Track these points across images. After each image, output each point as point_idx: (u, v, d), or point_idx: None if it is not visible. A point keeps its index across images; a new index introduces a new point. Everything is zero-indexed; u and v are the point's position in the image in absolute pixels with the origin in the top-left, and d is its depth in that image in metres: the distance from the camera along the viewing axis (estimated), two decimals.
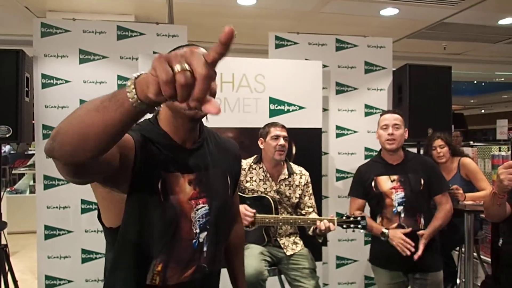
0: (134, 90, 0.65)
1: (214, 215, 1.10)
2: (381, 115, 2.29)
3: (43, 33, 2.98)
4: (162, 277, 1.03)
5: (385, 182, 2.20)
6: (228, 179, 1.18)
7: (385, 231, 2.13)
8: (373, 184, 2.22)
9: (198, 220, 1.06)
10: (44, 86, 2.97)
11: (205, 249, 1.08)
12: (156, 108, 0.68)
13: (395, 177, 2.19)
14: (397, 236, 2.08)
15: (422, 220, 2.17)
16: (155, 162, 1.00)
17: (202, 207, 1.07)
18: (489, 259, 3.11)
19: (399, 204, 2.15)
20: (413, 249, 2.04)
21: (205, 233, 1.08)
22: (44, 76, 2.97)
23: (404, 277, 2.19)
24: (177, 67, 0.59)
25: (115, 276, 1.04)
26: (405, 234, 2.09)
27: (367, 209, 2.36)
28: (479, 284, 2.90)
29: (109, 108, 0.67)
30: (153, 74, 0.60)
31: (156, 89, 0.60)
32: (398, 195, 2.16)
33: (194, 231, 1.05)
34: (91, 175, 0.85)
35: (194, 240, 1.06)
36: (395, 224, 2.16)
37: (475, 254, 2.95)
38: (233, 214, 1.27)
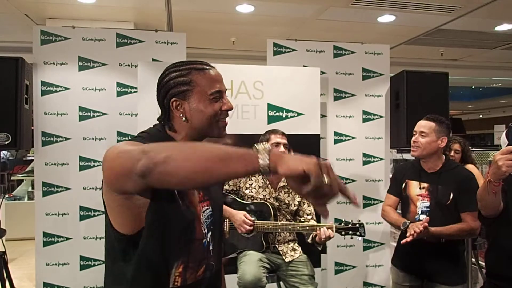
0: (267, 160, 0.80)
1: (215, 215, 1.18)
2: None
3: (43, 41, 2.99)
4: (182, 277, 1.08)
5: (415, 188, 2.17)
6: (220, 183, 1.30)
7: (407, 223, 2.06)
8: (403, 186, 2.22)
9: (205, 221, 1.14)
10: (43, 93, 2.99)
11: (211, 247, 1.16)
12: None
13: (425, 185, 2.14)
14: (416, 227, 1.98)
15: None
16: None
17: (207, 209, 1.15)
18: None
19: (422, 213, 2.10)
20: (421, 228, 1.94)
21: (210, 233, 1.15)
22: (43, 83, 2.99)
23: (419, 282, 2.17)
24: (326, 180, 0.78)
25: (138, 285, 1.05)
26: (426, 242, 2.03)
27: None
28: None
29: (236, 163, 0.83)
30: (302, 169, 0.78)
31: (299, 181, 0.80)
32: (423, 203, 2.12)
33: (203, 231, 1.13)
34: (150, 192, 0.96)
35: (204, 240, 1.13)
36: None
37: (473, 260, 2.95)
38: None
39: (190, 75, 1.11)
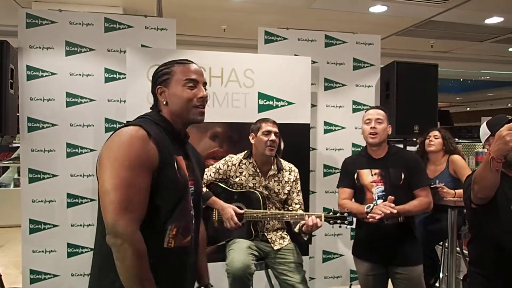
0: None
1: (196, 195, 1.35)
2: (365, 111, 2.33)
3: (29, 24, 2.92)
4: (175, 240, 1.24)
5: (367, 176, 2.23)
6: (200, 171, 1.46)
7: (371, 205, 2.12)
8: (355, 176, 2.26)
9: (191, 196, 1.31)
10: (29, 78, 2.92)
11: (193, 221, 1.33)
12: None
13: (376, 171, 2.22)
14: (380, 207, 2.07)
15: None
16: (169, 147, 1.26)
17: (191, 187, 1.32)
18: None
19: (379, 198, 2.17)
20: (392, 210, 2.03)
21: (193, 208, 1.32)
22: (29, 68, 2.92)
23: (383, 269, 2.22)
24: None
25: None
26: (385, 225, 2.11)
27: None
28: (461, 278, 2.97)
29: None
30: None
31: None
32: (378, 189, 2.19)
33: (191, 204, 1.31)
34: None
35: (192, 211, 1.31)
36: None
37: (458, 248, 3.01)
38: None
39: (172, 67, 1.34)
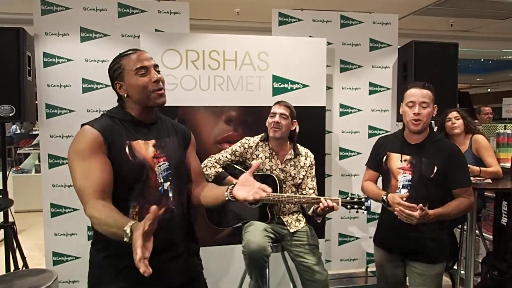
0: (130, 236, 1.07)
1: (173, 169, 1.46)
2: (408, 88, 2.01)
3: (43, 11, 2.94)
4: (139, 217, 1.35)
5: (396, 161, 2.02)
6: (182, 145, 1.56)
7: (384, 196, 1.98)
8: (384, 158, 2.08)
9: (161, 173, 1.43)
10: (46, 65, 2.96)
11: (170, 194, 1.45)
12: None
13: (407, 157, 1.99)
14: (395, 201, 1.89)
15: (427, 208, 1.87)
16: (122, 134, 1.40)
17: (163, 163, 1.44)
18: (491, 236, 3.15)
19: (403, 187, 1.97)
20: (415, 213, 1.80)
21: (168, 183, 1.44)
22: (45, 54, 2.95)
23: (401, 262, 2.10)
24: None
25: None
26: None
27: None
28: (480, 261, 2.93)
29: (115, 234, 1.15)
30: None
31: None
32: (404, 177, 1.98)
33: (159, 181, 1.43)
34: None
35: (160, 188, 1.43)
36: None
37: (477, 231, 2.97)
38: (190, 172, 1.60)
39: (120, 61, 1.43)
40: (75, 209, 3.03)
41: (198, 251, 1.60)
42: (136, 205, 1.38)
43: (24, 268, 2.72)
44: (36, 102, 2.98)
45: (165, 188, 1.43)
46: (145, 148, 1.42)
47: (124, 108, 1.46)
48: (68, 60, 2.99)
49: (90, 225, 3.17)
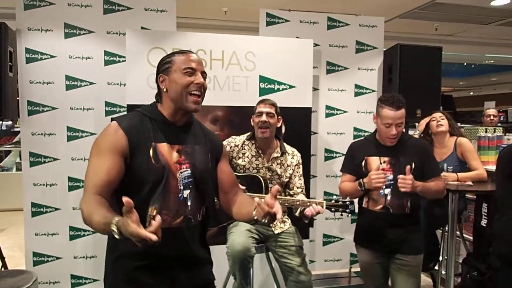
0: (118, 233, 1.06)
1: (195, 178, 1.43)
2: (382, 105, 2.11)
3: (26, 6, 2.87)
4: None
5: (375, 163, 2.16)
6: (209, 155, 1.52)
7: (361, 181, 2.14)
8: (363, 163, 2.19)
9: (182, 180, 1.40)
10: (28, 61, 2.89)
11: (189, 203, 1.41)
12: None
13: (385, 159, 2.15)
14: (373, 174, 2.08)
15: (409, 204, 2.13)
16: (149, 134, 1.38)
17: (185, 170, 1.41)
18: (471, 238, 3.21)
19: (387, 187, 2.11)
20: (385, 177, 2.07)
21: (188, 191, 1.41)
22: (28, 50, 2.89)
23: (385, 258, 2.20)
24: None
25: None
26: (390, 215, 2.13)
27: None
28: (460, 261, 2.99)
29: (103, 230, 1.14)
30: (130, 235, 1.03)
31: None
32: (387, 177, 2.11)
33: (180, 188, 1.39)
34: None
35: (180, 194, 1.39)
36: (380, 206, 2.16)
37: (457, 232, 3.03)
38: (223, 183, 1.58)
39: (173, 56, 1.43)
40: (56, 209, 2.98)
41: (211, 260, 1.57)
42: (153, 209, 1.35)
43: (3, 269, 2.66)
44: (17, 98, 2.91)
45: (185, 195, 1.40)
46: (169, 152, 1.39)
47: (157, 108, 1.45)
48: (52, 56, 2.93)
49: (72, 225, 3.12)
